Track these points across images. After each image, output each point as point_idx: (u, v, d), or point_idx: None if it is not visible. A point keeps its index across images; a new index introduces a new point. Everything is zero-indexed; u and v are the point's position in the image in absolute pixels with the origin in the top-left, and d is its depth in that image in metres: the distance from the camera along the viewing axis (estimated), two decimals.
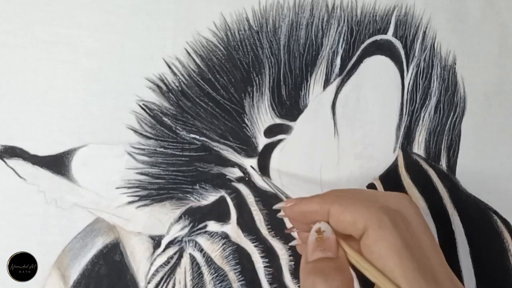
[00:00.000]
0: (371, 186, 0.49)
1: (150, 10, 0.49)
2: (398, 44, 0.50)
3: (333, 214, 0.36)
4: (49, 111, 0.47)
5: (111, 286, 0.45)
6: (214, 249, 0.46)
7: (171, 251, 0.46)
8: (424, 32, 0.52)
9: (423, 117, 0.51)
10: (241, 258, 0.46)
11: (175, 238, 0.47)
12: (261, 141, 0.48)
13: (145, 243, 0.47)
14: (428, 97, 0.51)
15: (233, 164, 0.48)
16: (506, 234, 0.50)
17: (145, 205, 0.47)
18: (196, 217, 0.47)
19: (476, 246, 0.49)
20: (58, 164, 0.46)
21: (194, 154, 0.48)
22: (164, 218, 0.47)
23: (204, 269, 0.46)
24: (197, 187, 0.47)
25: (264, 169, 0.48)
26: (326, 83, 0.49)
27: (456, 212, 0.50)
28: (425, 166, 0.50)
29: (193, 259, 0.46)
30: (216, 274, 0.46)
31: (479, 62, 0.53)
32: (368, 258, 0.34)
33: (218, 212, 0.47)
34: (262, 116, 0.49)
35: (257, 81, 0.49)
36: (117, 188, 0.47)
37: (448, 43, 0.52)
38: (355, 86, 0.49)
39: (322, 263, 0.35)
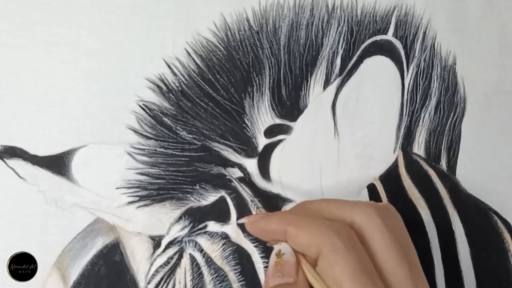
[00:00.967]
0: (372, 186, 0.49)
1: (150, 10, 0.49)
2: (398, 44, 0.50)
3: (289, 235, 0.36)
4: (49, 111, 0.47)
5: (111, 286, 0.45)
6: (214, 250, 0.46)
7: (171, 251, 0.46)
8: (424, 32, 0.52)
9: (423, 117, 0.51)
10: (241, 258, 0.46)
11: (175, 238, 0.47)
12: (261, 141, 0.48)
13: (145, 243, 0.47)
14: (428, 97, 0.51)
15: (233, 164, 0.48)
16: (506, 234, 0.50)
17: (145, 205, 0.47)
18: (196, 217, 0.47)
19: (476, 246, 0.49)
20: (58, 164, 0.46)
21: (194, 154, 0.48)
22: (164, 218, 0.47)
23: (204, 270, 0.46)
24: (197, 187, 0.47)
25: (264, 169, 0.48)
26: (326, 83, 0.49)
27: (456, 212, 0.50)
28: (425, 166, 0.50)
29: (193, 259, 0.46)
30: (216, 274, 0.46)
31: (479, 62, 0.53)
32: (325, 281, 0.34)
33: (218, 212, 0.47)
34: (262, 116, 0.49)
35: (257, 81, 0.49)
36: (117, 188, 0.47)
37: (448, 44, 0.52)
38: (355, 86, 0.49)
39: None
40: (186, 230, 0.47)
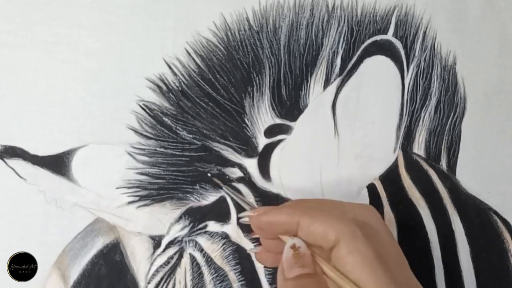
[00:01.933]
0: (372, 186, 0.49)
1: (150, 10, 0.49)
2: (398, 44, 0.50)
3: (303, 226, 0.36)
4: (49, 111, 0.47)
5: (111, 286, 0.45)
6: (214, 249, 0.46)
7: (171, 251, 0.46)
8: (424, 32, 0.52)
9: (423, 117, 0.51)
10: (241, 258, 0.46)
11: (175, 238, 0.47)
12: (261, 141, 0.48)
13: (145, 243, 0.47)
14: (428, 97, 0.51)
15: (233, 164, 0.48)
16: (506, 234, 0.50)
17: (145, 205, 0.47)
18: (196, 217, 0.47)
19: (476, 246, 0.49)
20: (58, 164, 0.46)
21: (194, 154, 0.48)
22: (164, 218, 0.47)
23: (204, 269, 0.46)
24: (197, 187, 0.47)
25: (264, 169, 0.48)
26: (326, 83, 0.49)
27: (456, 212, 0.50)
28: (425, 166, 0.50)
29: (193, 259, 0.46)
30: (216, 274, 0.46)
31: (479, 62, 0.53)
32: (340, 270, 0.34)
33: (218, 212, 0.47)
34: (262, 116, 0.49)
35: (257, 81, 0.49)
36: (117, 188, 0.47)
37: (448, 43, 0.52)
38: (355, 86, 0.49)
39: (303, 280, 0.35)
40: (186, 230, 0.47)
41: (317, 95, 0.49)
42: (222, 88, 0.49)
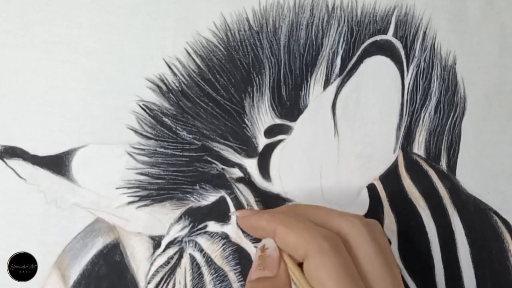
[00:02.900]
0: (372, 186, 0.49)
1: (150, 10, 0.49)
2: (398, 44, 0.50)
3: (278, 235, 0.36)
4: (49, 111, 0.47)
5: (111, 286, 0.45)
6: (214, 250, 0.46)
7: (171, 251, 0.46)
8: (424, 32, 0.52)
9: (423, 117, 0.51)
10: (241, 258, 0.46)
11: (175, 239, 0.47)
12: (261, 141, 0.48)
13: (145, 243, 0.47)
14: (428, 97, 0.51)
15: (233, 164, 0.48)
16: (506, 234, 0.50)
17: (145, 205, 0.47)
18: (196, 218, 0.47)
19: (476, 246, 0.49)
20: (58, 164, 0.46)
21: (194, 154, 0.48)
22: (164, 219, 0.47)
23: (204, 270, 0.46)
24: (197, 187, 0.47)
25: (264, 169, 0.48)
26: (326, 83, 0.49)
27: (456, 212, 0.50)
28: (425, 166, 0.50)
29: (193, 259, 0.46)
30: (216, 274, 0.46)
31: (479, 62, 0.53)
32: (310, 283, 0.34)
33: (218, 212, 0.47)
34: (262, 116, 0.49)
35: (257, 81, 0.49)
36: (117, 188, 0.47)
37: (448, 44, 0.52)
38: (355, 87, 0.49)
39: (260, 284, 0.35)
40: (186, 230, 0.47)
41: (317, 95, 0.49)
42: (222, 88, 0.49)
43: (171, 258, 0.46)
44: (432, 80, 0.51)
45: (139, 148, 0.47)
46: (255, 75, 0.49)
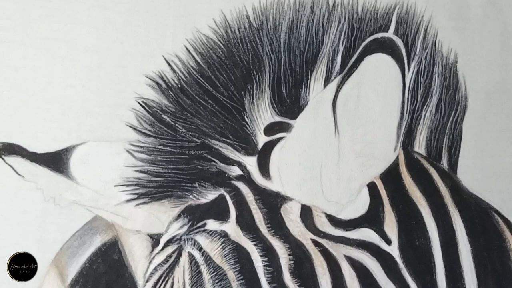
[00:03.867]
0: (372, 184, 0.49)
1: (149, 7, 0.49)
2: (399, 42, 0.50)
3: None
4: (48, 108, 0.47)
5: (109, 285, 0.45)
6: (213, 248, 0.46)
7: (169, 249, 0.46)
8: (426, 30, 0.52)
9: (424, 115, 0.51)
10: (240, 257, 0.46)
11: (174, 237, 0.46)
12: (261, 139, 0.48)
13: (143, 241, 0.46)
14: (429, 95, 0.51)
15: (233, 162, 0.48)
16: (507, 233, 0.50)
17: (144, 203, 0.47)
18: (195, 216, 0.47)
19: (477, 245, 0.49)
20: (56, 161, 0.46)
21: (194, 152, 0.47)
22: (163, 216, 0.47)
23: (203, 268, 0.46)
24: (197, 185, 0.47)
25: (264, 167, 0.48)
26: (327, 81, 0.49)
27: (457, 211, 0.49)
28: (426, 165, 0.50)
29: (192, 257, 0.46)
30: (215, 273, 0.45)
31: (480, 60, 0.53)
32: None
33: (218, 210, 0.47)
34: (262, 114, 0.48)
35: (257, 79, 0.49)
36: (115, 186, 0.47)
37: (449, 42, 0.52)
38: (356, 84, 0.49)
39: None
40: (185, 228, 0.47)
41: (318, 93, 0.49)
42: (222, 86, 0.48)
43: (170, 256, 0.46)
44: (433, 78, 0.51)
45: (138, 146, 0.47)
46: (255, 73, 0.49)
